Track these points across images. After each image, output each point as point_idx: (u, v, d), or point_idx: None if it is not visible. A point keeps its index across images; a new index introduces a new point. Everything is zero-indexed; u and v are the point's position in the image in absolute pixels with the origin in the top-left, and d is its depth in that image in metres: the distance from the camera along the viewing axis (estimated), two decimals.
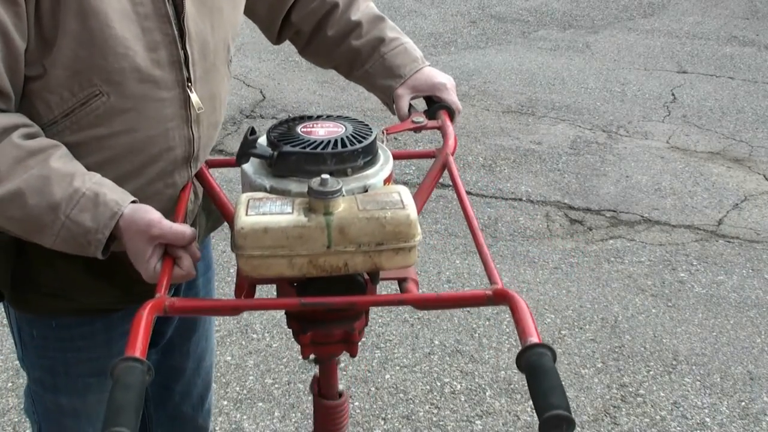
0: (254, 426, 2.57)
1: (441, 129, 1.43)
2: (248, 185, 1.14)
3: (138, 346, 0.92)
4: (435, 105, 1.49)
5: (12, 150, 1.08)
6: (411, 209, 1.03)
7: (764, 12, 8.44)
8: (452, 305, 1.16)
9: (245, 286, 1.14)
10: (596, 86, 6.06)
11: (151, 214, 1.12)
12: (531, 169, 4.53)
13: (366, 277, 1.10)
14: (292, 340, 3.08)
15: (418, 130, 1.44)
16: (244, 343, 2.96)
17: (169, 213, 1.29)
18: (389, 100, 1.53)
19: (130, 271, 1.31)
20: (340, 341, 1.16)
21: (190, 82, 1.23)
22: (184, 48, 1.21)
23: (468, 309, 3.17)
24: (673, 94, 5.91)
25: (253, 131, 1.11)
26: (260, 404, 2.66)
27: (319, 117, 1.20)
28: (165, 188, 1.28)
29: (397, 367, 2.85)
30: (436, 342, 2.99)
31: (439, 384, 2.77)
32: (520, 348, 0.91)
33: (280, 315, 3.12)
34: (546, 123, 5.19)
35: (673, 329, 3.12)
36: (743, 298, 3.34)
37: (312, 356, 1.24)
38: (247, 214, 1.02)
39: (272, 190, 1.10)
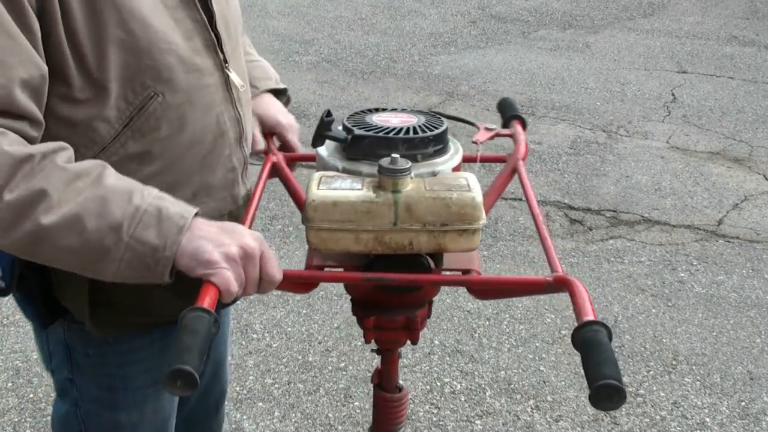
0: (254, 426, 2.57)
1: (513, 136, 1.48)
2: (322, 167, 1.18)
3: (207, 301, 0.96)
4: (509, 115, 1.55)
5: (59, 173, 1.01)
6: (477, 192, 1.07)
7: (764, 12, 8.44)
8: (512, 290, 1.18)
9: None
10: (596, 86, 6.06)
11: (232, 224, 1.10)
12: (531, 169, 4.53)
13: (432, 264, 1.13)
14: (293, 339, 3.10)
15: (493, 137, 1.50)
16: (244, 343, 2.96)
17: (237, 208, 1.31)
18: None
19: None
20: (402, 327, 1.19)
21: (226, 62, 1.24)
22: (215, 30, 1.22)
23: (468, 309, 3.17)
24: (673, 94, 5.91)
25: (329, 114, 1.15)
26: (260, 404, 2.66)
27: (394, 109, 1.25)
28: (227, 173, 1.28)
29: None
30: (436, 342, 2.99)
31: (439, 384, 2.77)
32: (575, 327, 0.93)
33: (280, 315, 3.13)
34: (546, 123, 5.19)
35: (673, 329, 3.12)
36: (743, 298, 3.34)
37: (374, 347, 1.27)
38: (318, 188, 1.07)
39: (344, 171, 1.14)
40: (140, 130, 1.14)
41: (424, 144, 1.14)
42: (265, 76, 1.53)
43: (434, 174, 1.13)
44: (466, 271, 1.15)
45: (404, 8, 8.44)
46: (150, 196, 1.04)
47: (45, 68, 1.05)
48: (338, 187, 1.07)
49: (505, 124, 1.53)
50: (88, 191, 1.01)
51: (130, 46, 1.10)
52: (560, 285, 1.02)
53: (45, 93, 1.06)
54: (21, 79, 1.01)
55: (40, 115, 1.06)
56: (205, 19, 1.20)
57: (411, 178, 1.08)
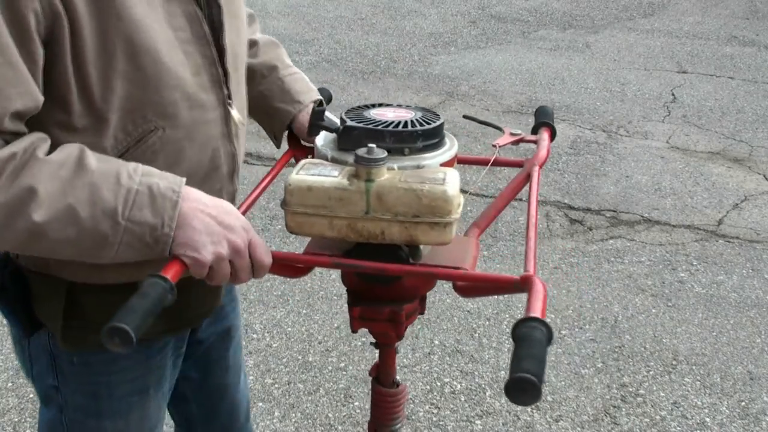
0: (254, 426, 2.56)
1: (537, 142, 1.49)
2: (317, 156, 1.20)
3: (171, 272, 1.01)
4: (539, 121, 1.55)
5: (43, 167, 1.01)
6: (450, 186, 1.06)
7: (764, 12, 8.44)
8: (487, 287, 1.17)
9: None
10: (596, 86, 6.06)
11: (221, 200, 1.11)
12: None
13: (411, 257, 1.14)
14: (293, 339, 3.10)
15: (517, 142, 1.50)
16: (244, 343, 2.96)
17: None
18: (283, 125, 1.50)
19: (179, 298, 1.30)
20: (387, 319, 1.20)
21: (230, 98, 1.24)
22: (223, 66, 1.21)
23: (468, 309, 3.17)
24: (673, 94, 5.91)
25: (320, 103, 1.15)
26: (260, 404, 2.66)
27: (399, 105, 1.26)
28: None
29: (397, 367, 2.84)
30: (436, 342, 2.99)
31: (439, 384, 2.77)
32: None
33: (280, 315, 3.13)
34: None
35: (673, 329, 3.12)
36: (743, 298, 3.34)
37: (373, 340, 1.28)
38: (297, 174, 1.09)
39: (333, 160, 1.16)
40: (136, 162, 1.12)
41: (413, 138, 1.14)
42: (307, 89, 1.51)
43: (419, 168, 1.14)
44: (456, 269, 1.15)
45: (404, 8, 8.44)
46: (137, 174, 1.06)
47: (41, 99, 1.04)
48: (316, 174, 1.09)
49: (534, 131, 1.53)
50: (74, 179, 1.02)
51: (138, 80, 1.09)
52: (523, 284, 1.02)
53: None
54: (15, 110, 1.01)
55: (24, 129, 1.05)
56: (215, 55, 1.19)
57: (394, 169, 1.09)
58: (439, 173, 1.09)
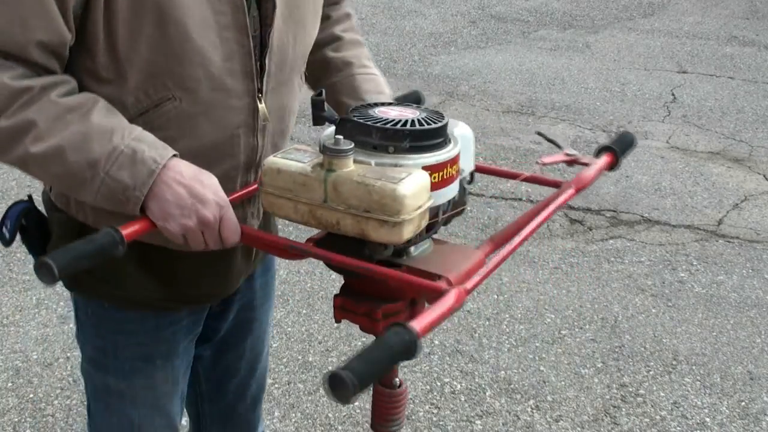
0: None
1: (588, 164, 1.44)
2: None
3: (132, 228, 1.10)
4: (605, 146, 1.50)
5: (50, 107, 1.11)
6: (404, 187, 1.06)
7: (764, 12, 8.45)
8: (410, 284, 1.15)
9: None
10: (596, 86, 6.06)
11: (204, 174, 1.16)
12: (531, 169, 4.53)
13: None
14: (293, 339, 3.09)
15: (571, 163, 1.46)
16: None
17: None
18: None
19: (182, 271, 1.34)
20: (363, 314, 1.21)
21: (261, 93, 1.26)
22: (261, 60, 1.24)
23: (468, 309, 3.17)
24: (673, 94, 5.91)
25: (320, 93, 1.17)
26: None
27: (418, 106, 1.26)
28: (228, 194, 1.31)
29: (398, 367, 2.84)
30: (436, 342, 2.99)
31: (439, 384, 2.77)
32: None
33: (280, 315, 3.13)
34: (546, 123, 5.19)
35: (673, 329, 3.12)
36: (743, 298, 3.34)
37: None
38: (275, 156, 1.14)
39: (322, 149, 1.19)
40: (151, 124, 1.19)
41: (399, 137, 1.13)
42: (376, 90, 1.52)
43: (396, 167, 1.12)
44: (437, 276, 1.13)
45: (404, 8, 8.44)
46: (129, 136, 1.14)
47: (68, 36, 1.12)
48: (290, 158, 1.12)
49: (597, 153, 1.49)
50: (74, 125, 1.11)
51: (162, 48, 1.15)
52: (440, 293, 1.00)
53: (65, 53, 1.15)
54: (38, 41, 1.09)
55: (56, 68, 1.14)
56: (252, 46, 1.22)
57: (370, 164, 1.09)
58: (403, 173, 1.08)
